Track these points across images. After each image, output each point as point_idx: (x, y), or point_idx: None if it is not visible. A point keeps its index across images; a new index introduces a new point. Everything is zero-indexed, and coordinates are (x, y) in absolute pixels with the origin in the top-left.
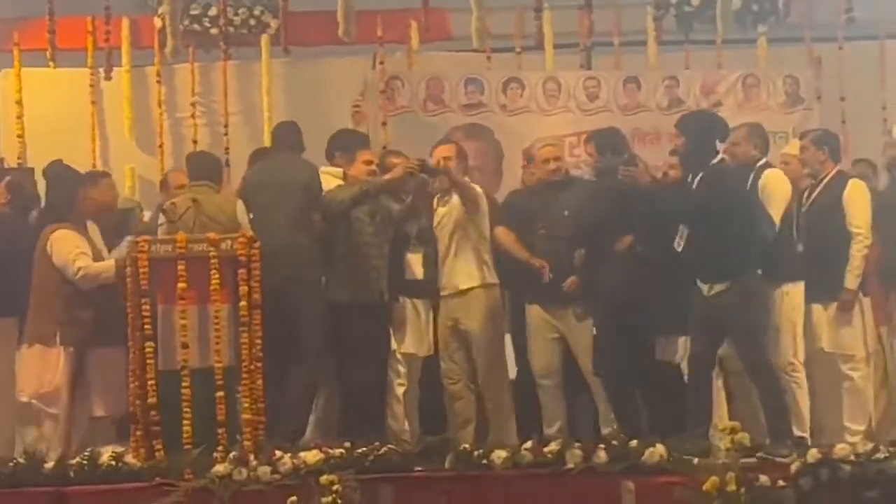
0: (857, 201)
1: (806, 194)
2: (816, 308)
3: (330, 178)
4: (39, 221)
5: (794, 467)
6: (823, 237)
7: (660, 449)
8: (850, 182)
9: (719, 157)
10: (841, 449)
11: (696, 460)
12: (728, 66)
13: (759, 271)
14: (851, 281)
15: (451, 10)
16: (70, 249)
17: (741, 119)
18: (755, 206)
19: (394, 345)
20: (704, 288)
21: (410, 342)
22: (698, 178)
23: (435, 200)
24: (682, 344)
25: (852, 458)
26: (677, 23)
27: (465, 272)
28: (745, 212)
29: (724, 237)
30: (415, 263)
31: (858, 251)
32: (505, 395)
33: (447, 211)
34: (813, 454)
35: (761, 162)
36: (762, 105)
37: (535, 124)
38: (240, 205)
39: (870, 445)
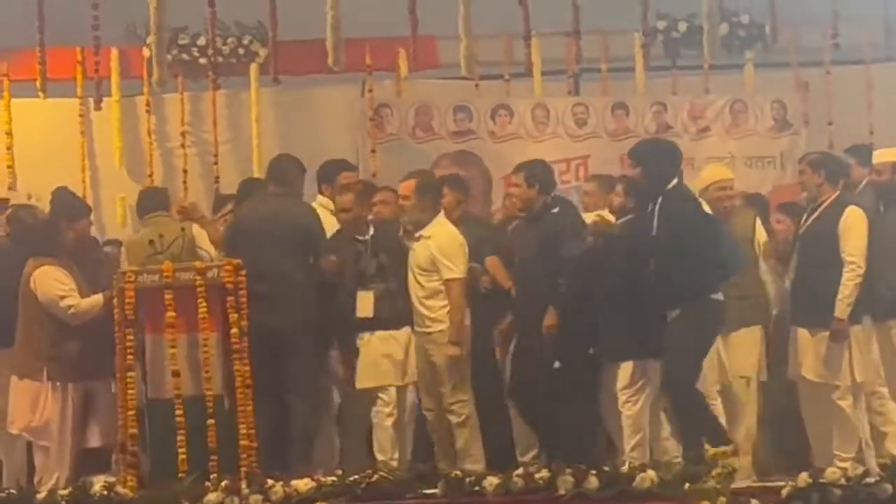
0: (854, 230)
1: (805, 218)
2: (802, 333)
3: (321, 210)
4: (24, 252)
5: (785, 492)
6: (816, 263)
7: (650, 474)
8: (848, 209)
9: (674, 182)
10: (832, 473)
11: (686, 485)
12: (716, 92)
13: (720, 296)
14: (842, 310)
15: (439, 38)
16: (56, 287)
17: (729, 144)
18: (715, 230)
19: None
20: (669, 316)
21: (373, 375)
22: (657, 205)
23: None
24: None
25: (843, 482)
26: (665, 49)
27: (434, 309)
28: (704, 236)
29: (682, 263)
30: (363, 301)
31: (850, 280)
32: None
33: (419, 248)
34: (804, 478)
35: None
36: (750, 130)
37: (523, 151)
38: (196, 228)
39: (860, 469)
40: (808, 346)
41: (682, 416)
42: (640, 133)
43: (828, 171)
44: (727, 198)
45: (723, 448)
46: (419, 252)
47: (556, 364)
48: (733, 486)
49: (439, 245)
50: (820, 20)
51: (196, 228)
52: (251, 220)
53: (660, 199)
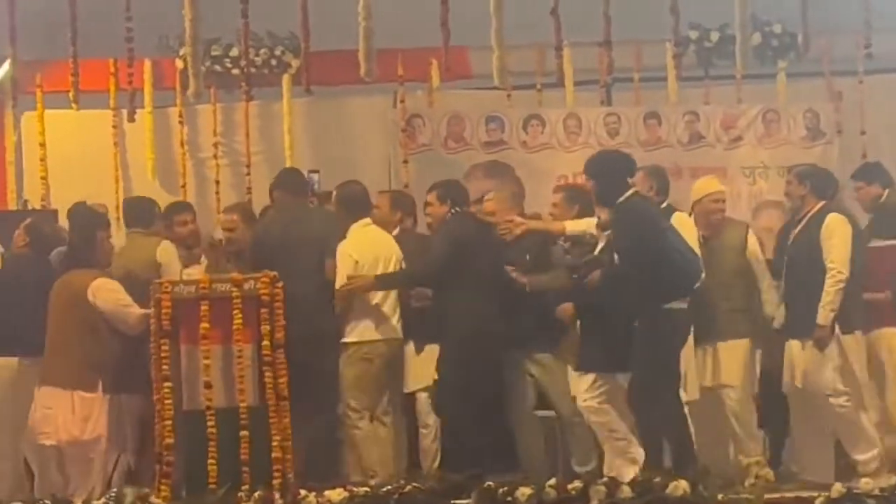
0: (835, 237)
1: (791, 230)
2: (794, 344)
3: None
4: (64, 264)
5: (818, 502)
6: (804, 273)
7: (683, 484)
8: (829, 217)
9: (629, 192)
10: (865, 483)
11: (720, 496)
12: (748, 101)
13: (683, 304)
14: (824, 316)
15: (471, 49)
16: (120, 297)
17: (762, 153)
18: (669, 242)
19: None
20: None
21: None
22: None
23: None
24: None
25: (877, 492)
26: (697, 58)
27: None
28: (658, 247)
29: (639, 273)
30: None
31: (832, 286)
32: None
33: None
34: (837, 489)
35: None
36: (782, 139)
37: (555, 161)
38: (164, 245)
39: (894, 479)
40: (798, 357)
41: (644, 428)
42: (673, 143)
43: (813, 183)
44: (719, 210)
45: (756, 458)
46: None
47: None
48: (766, 496)
49: None
50: (853, 29)
51: (164, 245)
52: (273, 236)
53: (613, 213)
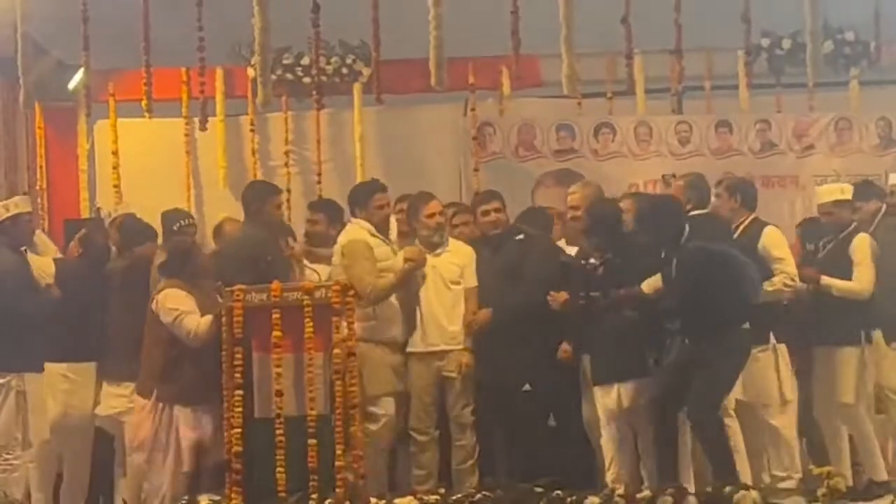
0: (779, 247)
1: None
2: None
3: (359, 230)
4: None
5: None
6: None
7: (752, 494)
8: (767, 229)
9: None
10: None
11: None
12: (820, 109)
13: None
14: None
15: (541, 57)
16: (175, 308)
17: (834, 162)
18: (735, 272)
19: None
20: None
21: None
22: (673, 264)
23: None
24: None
25: None
26: (769, 66)
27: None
28: (724, 280)
29: (705, 306)
30: None
31: (780, 281)
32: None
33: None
34: None
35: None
36: (854, 148)
37: (626, 169)
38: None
39: None
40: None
41: (707, 446)
42: (744, 151)
43: (743, 196)
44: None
45: (827, 468)
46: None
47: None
48: None
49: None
50: None
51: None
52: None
53: (674, 260)
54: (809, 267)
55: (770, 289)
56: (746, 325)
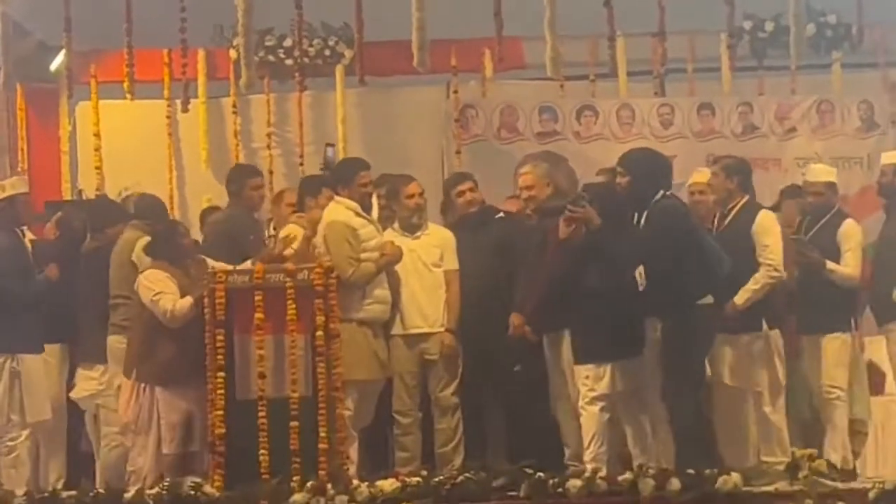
0: (769, 234)
1: (715, 224)
2: (720, 338)
3: (343, 210)
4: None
5: (872, 494)
6: (733, 268)
7: (734, 477)
8: (761, 213)
9: (661, 194)
10: None
11: (773, 487)
12: (802, 92)
13: (709, 299)
14: (741, 297)
15: (524, 39)
16: (152, 288)
17: (816, 144)
18: (700, 241)
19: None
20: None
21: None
22: (644, 217)
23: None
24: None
25: None
26: (751, 49)
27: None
28: (689, 248)
29: (669, 273)
30: None
31: (764, 277)
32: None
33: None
34: (894, 480)
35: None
36: (836, 130)
37: (609, 151)
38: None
39: None
40: (726, 353)
41: (679, 426)
42: (727, 134)
43: (740, 178)
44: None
45: (809, 450)
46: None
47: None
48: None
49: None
50: None
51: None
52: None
53: (646, 212)
54: (813, 250)
55: (755, 287)
56: (708, 300)
